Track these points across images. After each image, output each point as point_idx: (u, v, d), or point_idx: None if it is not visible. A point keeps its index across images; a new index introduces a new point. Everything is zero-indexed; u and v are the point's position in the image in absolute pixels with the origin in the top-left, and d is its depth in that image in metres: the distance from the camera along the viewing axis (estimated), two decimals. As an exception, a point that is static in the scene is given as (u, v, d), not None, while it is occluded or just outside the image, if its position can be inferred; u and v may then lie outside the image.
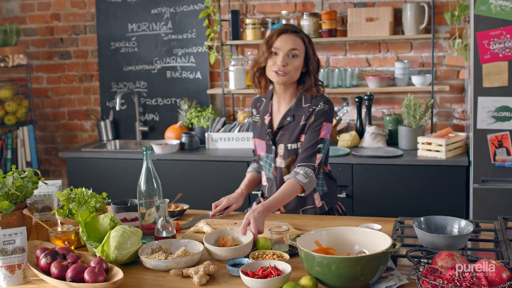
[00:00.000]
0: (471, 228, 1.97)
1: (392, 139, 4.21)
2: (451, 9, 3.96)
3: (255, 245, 2.14)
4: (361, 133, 4.27)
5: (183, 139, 4.34)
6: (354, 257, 1.72)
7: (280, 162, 2.60)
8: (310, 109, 2.54)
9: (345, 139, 4.14)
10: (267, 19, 4.43)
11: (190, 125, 4.61)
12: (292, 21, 4.38)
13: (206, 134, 4.36)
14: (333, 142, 4.26)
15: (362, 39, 4.26)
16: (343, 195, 3.86)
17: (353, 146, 4.17)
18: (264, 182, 2.71)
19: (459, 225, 2.03)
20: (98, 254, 2.03)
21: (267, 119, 2.64)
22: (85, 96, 5.14)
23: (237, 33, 4.47)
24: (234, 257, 2.04)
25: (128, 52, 4.89)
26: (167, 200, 2.24)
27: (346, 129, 4.51)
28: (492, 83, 3.44)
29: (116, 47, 4.91)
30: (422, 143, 3.83)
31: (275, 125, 2.61)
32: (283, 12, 4.38)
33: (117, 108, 4.53)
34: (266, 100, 2.69)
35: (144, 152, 2.30)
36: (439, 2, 4.17)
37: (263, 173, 2.71)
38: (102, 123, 4.90)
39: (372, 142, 4.10)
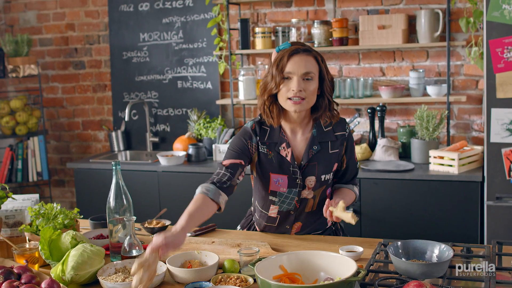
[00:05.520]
0: (451, 253, 1.79)
1: (405, 152, 4.02)
2: (466, 15, 3.75)
3: (221, 267, 2.01)
4: (373, 145, 4.09)
5: (190, 151, 4.24)
6: (309, 286, 1.57)
7: (308, 194, 2.35)
8: (337, 135, 2.34)
9: (356, 152, 3.96)
10: (277, 27, 4.29)
11: (199, 136, 4.51)
12: (302, 30, 4.24)
13: (213, 146, 4.25)
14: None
15: (375, 48, 4.08)
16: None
17: (364, 159, 3.99)
18: (274, 214, 2.41)
19: (439, 250, 1.85)
20: (52, 275, 1.94)
21: (286, 151, 2.31)
22: (98, 106, 5.10)
23: (246, 42, 4.35)
24: (195, 280, 1.91)
25: (139, 62, 4.83)
26: (134, 217, 2.13)
27: (359, 141, 4.33)
28: (506, 93, 3.23)
29: (128, 57, 4.86)
30: (434, 157, 3.63)
31: (299, 156, 2.33)
32: (293, 20, 4.24)
33: (126, 119, 4.47)
34: (271, 127, 2.34)
35: (114, 167, 2.20)
36: (456, 8, 3.96)
37: (273, 207, 2.39)
38: (113, 134, 4.85)
39: (383, 155, 3.91)
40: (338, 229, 2.58)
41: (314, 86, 2.21)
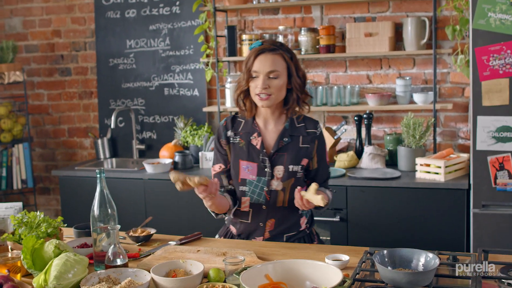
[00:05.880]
0: (437, 262, 1.79)
1: (392, 160, 4.01)
2: (452, 23, 3.76)
3: (206, 276, 1.99)
4: (360, 153, 4.09)
5: (176, 158, 4.22)
6: (295, 295, 1.55)
7: (277, 185, 2.42)
8: (309, 131, 2.47)
9: (342, 160, 3.96)
10: (264, 34, 4.29)
11: (185, 144, 4.49)
12: (289, 37, 4.24)
13: (200, 153, 4.23)
14: (330, 162, 4.08)
15: (362, 55, 4.08)
16: (337, 218, 3.67)
17: (351, 167, 3.98)
18: (246, 208, 2.48)
19: (425, 259, 1.84)
20: (34, 284, 1.91)
21: (257, 140, 2.45)
22: (84, 113, 5.07)
23: (233, 49, 4.34)
24: None
25: (126, 69, 4.81)
26: (118, 226, 2.10)
27: (346, 149, 4.33)
28: (492, 101, 3.24)
29: (114, 64, 4.83)
30: (421, 165, 3.63)
31: (270, 146, 2.44)
32: (280, 27, 4.24)
33: (113, 126, 4.43)
34: (245, 120, 2.49)
35: (98, 175, 2.18)
36: (442, 16, 3.97)
37: (245, 199, 2.47)
38: (99, 141, 4.81)
39: (370, 163, 3.91)
40: (314, 234, 2.61)
41: (280, 83, 2.36)
